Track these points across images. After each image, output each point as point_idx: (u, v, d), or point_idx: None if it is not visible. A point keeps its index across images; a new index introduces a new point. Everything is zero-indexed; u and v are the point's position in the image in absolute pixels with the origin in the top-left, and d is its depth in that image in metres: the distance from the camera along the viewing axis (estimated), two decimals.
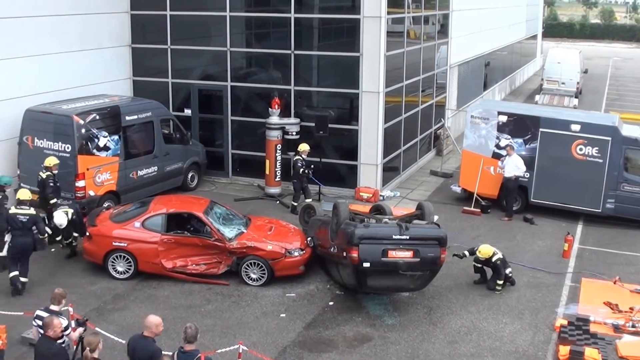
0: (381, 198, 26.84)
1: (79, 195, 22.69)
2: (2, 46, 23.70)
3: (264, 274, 19.59)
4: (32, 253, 18.89)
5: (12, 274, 18.73)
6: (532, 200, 25.94)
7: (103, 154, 23.72)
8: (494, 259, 19.59)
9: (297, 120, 27.34)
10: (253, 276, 19.63)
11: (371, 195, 26.72)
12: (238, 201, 26.40)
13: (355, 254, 17.28)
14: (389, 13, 26.83)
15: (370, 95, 26.70)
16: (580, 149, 24.98)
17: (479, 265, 20.03)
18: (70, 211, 20.81)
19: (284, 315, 18.04)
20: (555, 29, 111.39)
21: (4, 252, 19.29)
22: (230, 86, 28.73)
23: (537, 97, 47.14)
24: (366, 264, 17.29)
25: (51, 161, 21.84)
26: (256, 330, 17.18)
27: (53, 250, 21.63)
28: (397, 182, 29.63)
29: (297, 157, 25.60)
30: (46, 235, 19.63)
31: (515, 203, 25.82)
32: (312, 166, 25.92)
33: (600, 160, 24.82)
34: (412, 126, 31.40)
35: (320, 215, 21.90)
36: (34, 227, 18.89)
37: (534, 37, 68.52)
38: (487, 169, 26.25)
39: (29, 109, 23.60)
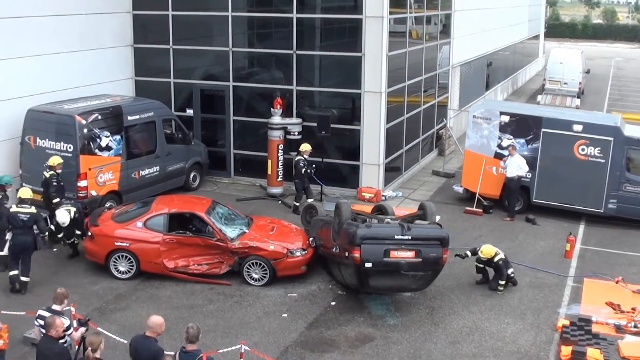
0: (383, 198, 26.84)
1: (81, 195, 22.69)
2: (3, 46, 23.70)
3: (266, 274, 19.59)
4: (33, 252, 18.92)
5: (11, 273, 18.85)
6: (534, 200, 25.93)
7: (105, 153, 23.72)
8: (496, 259, 19.58)
9: (299, 120, 27.33)
10: (255, 276, 19.63)
11: (373, 195, 26.71)
12: (240, 201, 26.40)
13: (357, 254, 17.28)
14: (391, 13, 26.82)
15: (373, 96, 26.69)
16: (583, 149, 24.97)
17: (481, 266, 20.03)
18: (73, 209, 20.83)
19: (285, 315, 18.04)
20: (557, 29, 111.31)
21: (5, 251, 19.38)
22: (232, 86, 28.73)
23: (539, 98, 47.16)
24: (368, 264, 17.30)
25: (55, 160, 21.85)
26: (258, 330, 17.18)
27: (55, 250, 21.67)
28: (399, 182, 29.63)
29: (298, 157, 25.58)
30: (47, 233, 19.67)
31: (517, 203, 25.81)
32: (314, 166, 25.91)
33: (603, 161, 24.81)
34: (414, 126, 31.39)
35: (322, 216, 21.89)
36: (35, 226, 18.94)
37: (536, 37, 68.50)
38: (489, 169, 26.24)
39: (31, 109, 23.61)
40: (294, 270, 19.88)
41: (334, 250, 18.73)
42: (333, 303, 18.80)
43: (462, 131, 35.71)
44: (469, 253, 20.24)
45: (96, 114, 23.61)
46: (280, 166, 27.05)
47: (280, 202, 26.80)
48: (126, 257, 19.74)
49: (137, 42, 29.65)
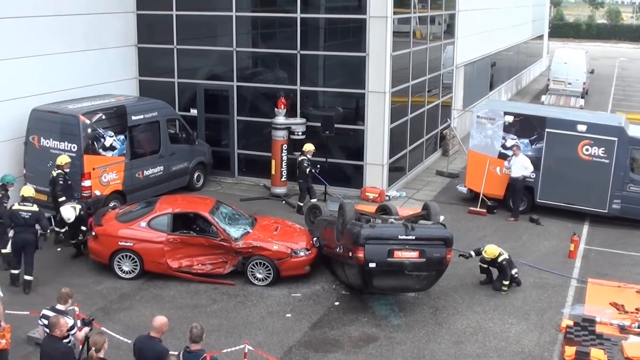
0: (387, 198, 26.83)
1: (85, 194, 22.71)
2: (7, 46, 23.72)
3: (270, 273, 19.59)
4: (34, 250, 18.94)
5: (12, 271, 19.06)
6: (538, 200, 25.90)
7: (109, 153, 23.73)
8: (499, 260, 19.57)
9: (303, 120, 27.34)
10: (259, 276, 19.64)
11: (377, 195, 26.72)
12: (244, 201, 26.41)
13: (361, 254, 17.28)
14: (395, 13, 26.80)
15: (376, 96, 26.69)
16: (587, 150, 24.94)
17: (485, 266, 20.02)
18: (78, 207, 20.87)
19: (289, 315, 18.04)
20: (561, 29, 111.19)
21: (8, 249, 19.49)
22: (236, 86, 28.74)
23: (543, 98, 47.09)
24: (372, 264, 17.30)
25: (63, 159, 21.90)
26: (262, 330, 17.19)
27: (59, 249, 21.70)
28: (403, 182, 29.62)
29: (302, 157, 25.57)
30: (48, 231, 19.72)
31: (521, 203, 25.79)
32: (319, 166, 25.90)
33: (607, 161, 24.78)
34: (418, 126, 31.39)
35: (326, 216, 21.90)
36: (37, 225, 19.00)
37: (540, 37, 68.42)
38: (493, 169, 26.22)
39: (35, 109, 23.63)
40: (298, 270, 19.88)
41: (337, 250, 18.73)
42: (337, 303, 18.80)
43: (466, 131, 35.72)
44: (472, 253, 20.24)
45: (100, 114, 23.64)
46: (284, 166, 27.05)
47: (284, 202, 26.80)
48: (130, 256, 19.75)
49: (141, 42, 29.67)
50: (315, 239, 20.54)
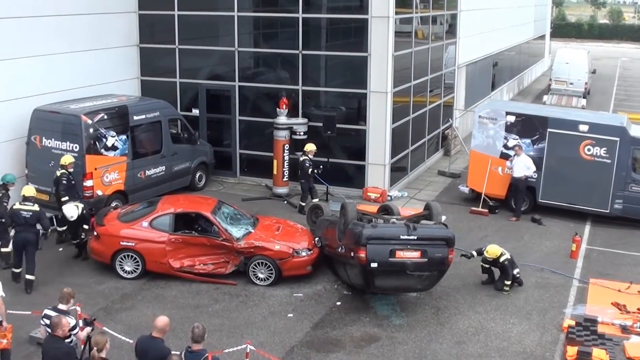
0: (389, 198, 26.83)
1: (87, 194, 22.71)
2: (9, 46, 23.73)
3: (272, 273, 19.60)
4: (35, 250, 18.97)
5: (14, 270, 19.24)
6: (539, 200, 25.90)
7: (111, 153, 23.75)
8: (501, 259, 19.56)
9: (305, 120, 27.35)
10: (261, 276, 19.64)
11: (379, 195, 26.72)
12: (246, 201, 26.42)
13: (362, 254, 17.28)
14: (397, 13, 26.81)
15: (378, 96, 26.69)
16: (589, 150, 24.93)
17: (487, 266, 20.01)
18: (81, 206, 20.88)
19: (291, 315, 18.05)
20: (563, 29, 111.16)
21: (9, 248, 19.58)
22: (238, 86, 28.76)
23: (545, 98, 47.08)
24: (374, 264, 17.29)
25: (67, 159, 21.93)
26: (264, 330, 17.19)
27: (61, 249, 21.73)
28: (405, 183, 29.62)
29: (304, 157, 25.57)
30: (49, 230, 19.74)
31: (523, 203, 25.78)
32: (322, 166, 25.90)
33: (609, 161, 24.78)
34: (420, 126, 31.38)
35: (328, 216, 21.89)
36: (38, 225, 19.06)
37: (542, 37, 68.42)
38: (495, 169, 26.21)
39: (37, 109, 23.65)
40: (300, 270, 19.88)
41: (339, 250, 18.72)
42: (339, 303, 18.80)
43: (467, 131, 35.72)
44: (474, 253, 20.24)
45: (102, 114, 23.65)
46: (286, 166, 27.05)
47: (285, 202, 26.81)
48: (132, 256, 19.75)
49: (143, 42, 29.69)
50: (317, 239, 20.54)
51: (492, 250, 19.65)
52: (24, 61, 24.22)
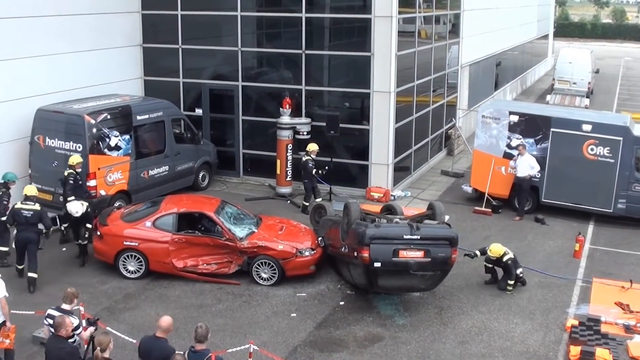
0: (392, 198, 26.85)
1: (90, 194, 22.71)
2: (12, 46, 23.75)
3: (275, 273, 19.60)
4: (37, 249, 19.05)
5: (17, 266, 19.47)
6: (543, 200, 25.89)
7: (114, 153, 23.76)
8: (505, 259, 19.55)
9: (308, 120, 27.35)
10: (264, 276, 19.65)
11: (382, 195, 26.71)
12: (249, 201, 26.42)
13: (366, 254, 17.28)
14: (400, 13, 26.82)
15: (382, 95, 26.69)
16: (592, 149, 24.92)
17: (490, 266, 20.01)
18: (86, 204, 20.88)
19: (294, 314, 18.05)
20: (566, 29, 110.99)
21: (6, 248, 19.97)
22: (241, 86, 28.76)
23: (548, 97, 47.07)
24: (377, 264, 17.29)
25: (74, 159, 21.91)
26: (267, 330, 17.20)
27: (64, 249, 21.74)
28: (408, 182, 29.62)
29: (306, 157, 25.56)
30: (51, 230, 19.78)
31: (526, 203, 25.77)
32: (327, 167, 25.89)
33: (612, 160, 24.76)
34: (423, 126, 31.38)
35: (331, 215, 21.87)
36: (41, 225, 19.13)
37: (545, 36, 68.37)
38: (498, 169, 26.21)
39: (40, 109, 23.66)
40: (303, 270, 19.88)
41: (342, 250, 18.73)
42: (342, 303, 18.81)
43: (471, 131, 35.73)
44: (478, 252, 20.22)
45: (105, 114, 23.66)
46: (289, 166, 27.06)
47: (289, 201, 26.81)
48: (135, 256, 19.77)
49: (146, 42, 29.70)
50: (320, 238, 20.54)
51: (496, 249, 19.65)
52: (26, 61, 24.23)
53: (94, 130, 23.10)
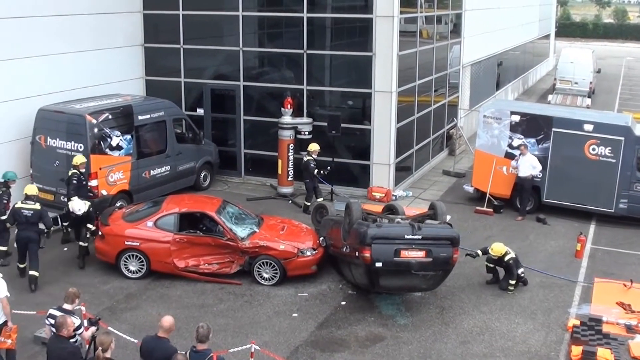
0: (394, 198, 26.84)
1: (91, 194, 22.72)
2: (13, 46, 23.76)
3: (277, 273, 19.60)
4: (38, 248, 19.07)
5: (19, 264, 19.52)
6: (544, 200, 25.88)
7: (115, 153, 23.77)
8: (506, 258, 19.55)
9: (310, 120, 27.35)
10: (265, 275, 19.65)
11: (384, 195, 26.71)
12: (250, 201, 26.42)
13: (367, 254, 17.28)
14: (401, 12, 26.81)
15: (383, 95, 26.68)
16: (593, 149, 24.91)
17: (492, 265, 20.01)
18: (88, 203, 20.88)
19: (296, 314, 18.05)
20: (568, 29, 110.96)
21: (5, 247, 19.99)
22: (242, 86, 28.76)
23: (549, 97, 47.05)
24: (379, 264, 17.29)
25: (78, 160, 21.90)
26: (268, 330, 17.20)
27: (66, 249, 21.75)
28: (410, 182, 29.61)
29: (308, 157, 25.56)
30: (52, 229, 19.80)
31: (528, 203, 25.76)
32: (329, 167, 25.89)
33: (613, 160, 24.75)
34: (425, 126, 31.38)
35: (333, 215, 21.89)
36: (42, 225, 19.17)
37: (547, 36, 68.33)
38: (499, 168, 26.20)
39: (42, 109, 23.67)
40: (305, 270, 19.88)
41: (344, 249, 18.72)
42: (343, 303, 18.80)
43: (472, 131, 35.72)
44: (479, 252, 20.21)
45: (107, 114, 23.67)
46: (290, 166, 27.07)
47: (290, 201, 26.81)
48: (137, 256, 19.77)
49: (148, 42, 29.71)
50: (321, 238, 20.54)
51: (497, 248, 19.65)
52: (28, 61, 24.24)
53: (96, 130, 23.11)
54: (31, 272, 18.89)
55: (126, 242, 19.73)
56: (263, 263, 19.61)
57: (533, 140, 25.70)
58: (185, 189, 26.55)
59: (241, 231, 20.03)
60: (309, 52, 27.66)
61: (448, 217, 20.29)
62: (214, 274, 19.75)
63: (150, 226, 19.85)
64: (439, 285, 18.67)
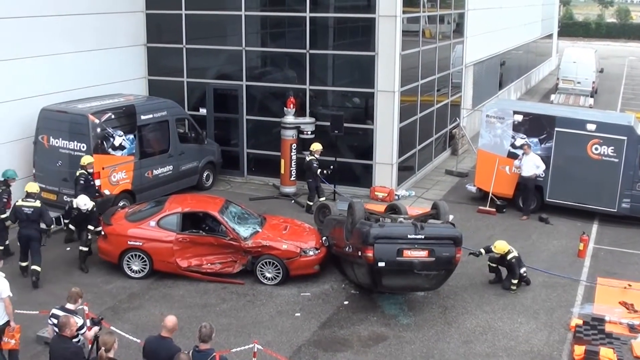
0: (396, 197, 26.84)
1: (98, 194, 22.70)
2: (15, 46, 23.76)
3: (279, 273, 19.60)
4: (39, 245, 19.14)
5: (20, 264, 19.57)
6: (547, 199, 25.86)
7: (118, 153, 23.78)
8: (509, 257, 19.52)
9: (313, 119, 27.36)
10: (268, 275, 19.65)
11: (386, 194, 26.71)
12: (253, 200, 26.42)
13: (370, 254, 17.27)
14: (404, 12, 26.79)
15: (386, 95, 26.68)
16: (596, 149, 24.89)
17: (494, 265, 20.00)
18: (92, 203, 20.88)
19: (298, 314, 18.05)
20: (570, 28, 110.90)
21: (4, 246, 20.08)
22: (245, 85, 28.77)
23: (552, 97, 46.91)
24: (381, 264, 17.27)
25: (86, 160, 21.97)
26: (271, 330, 17.20)
27: (68, 249, 21.75)
28: (412, 182, 29.60)
29: (310, 157, 25.56)
30: (52, 227, 19.84)
31: (532, 203, 25.74)
32: (332, 167, 25.89)
33: (616, 160, 24.72)
34: (428, 125, 31.37)
35: (336, 215, 21.88)
36: (42, 222, 19.26)
37: (550, 36, 68.29)
38: (502, 168, 26.19)
39: (45, 108, 23.67)
40: (307, 270, 19.88)
41: (347, 249, 18.72)
42: (346, 302, 18.80)
43: (475, 130, 35.68)
44: (482, 251, 20.19)
45: (109, 113, 23.68)
46: (293, 165, 27.06)
47: (293, 201, 26.82)
48: (139, 256, 19.78)
49: (150, 42, 29.72)
50: (324, 238, 20.54)
51: (500, 246, 19.62)
52: (30, 61, 24.24)
53: (98, 129, 23.13)
54: (33, 267, 18.98)
55: (129, 242, 19.74)
56: (266, 263, 19.61)
57: (536, 139, 25.67)
58: (187, 189, 26.56)
59: (244, 231, 20.03)
60: (311, 51, 27.66)
61: (451, 217, 20.26)
62: (217, 274, 19.75)
63: (153, 226, 19.85)
64: (442, 285, 18.66)
